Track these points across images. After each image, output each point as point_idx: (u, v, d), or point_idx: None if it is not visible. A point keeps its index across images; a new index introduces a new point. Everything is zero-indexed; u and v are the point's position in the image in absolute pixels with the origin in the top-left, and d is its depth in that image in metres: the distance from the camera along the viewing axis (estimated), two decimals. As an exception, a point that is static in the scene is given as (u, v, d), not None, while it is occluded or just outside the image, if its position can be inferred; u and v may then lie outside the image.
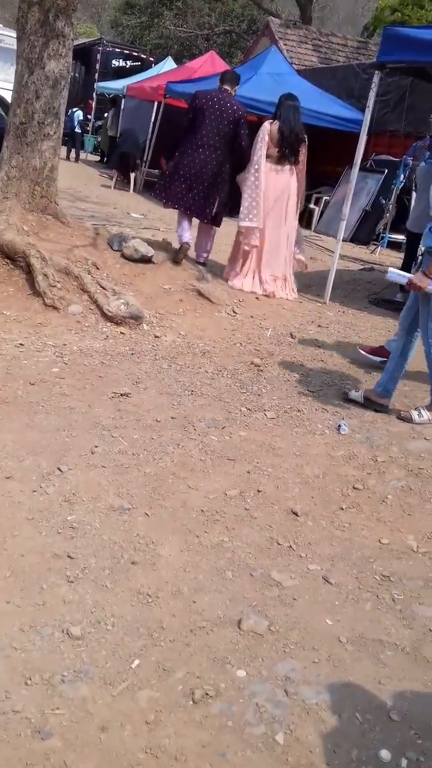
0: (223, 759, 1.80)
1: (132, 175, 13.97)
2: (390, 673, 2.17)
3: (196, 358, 4.68)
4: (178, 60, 20.29)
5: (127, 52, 22.16)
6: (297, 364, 4.89)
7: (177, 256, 6.17)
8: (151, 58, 21.69)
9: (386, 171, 11.28)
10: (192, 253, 6.64)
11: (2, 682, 1.91)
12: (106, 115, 17.56)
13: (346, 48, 20.14)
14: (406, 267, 7.74)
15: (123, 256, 5.83)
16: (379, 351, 4.97)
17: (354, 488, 3.28)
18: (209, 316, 5.54)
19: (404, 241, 8.97)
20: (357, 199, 10.97)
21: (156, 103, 13.77)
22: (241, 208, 6.48)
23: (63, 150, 10.11)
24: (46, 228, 5.67)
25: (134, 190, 13.97)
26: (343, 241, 7.21)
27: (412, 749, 1.90)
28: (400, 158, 10.65)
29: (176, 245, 6.36)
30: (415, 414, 4.07)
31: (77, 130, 17.37)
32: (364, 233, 11.53)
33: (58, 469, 3.00)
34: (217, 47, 25.76)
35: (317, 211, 12.54)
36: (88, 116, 19.62)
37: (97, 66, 20.40)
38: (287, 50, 18.12)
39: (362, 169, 9.53)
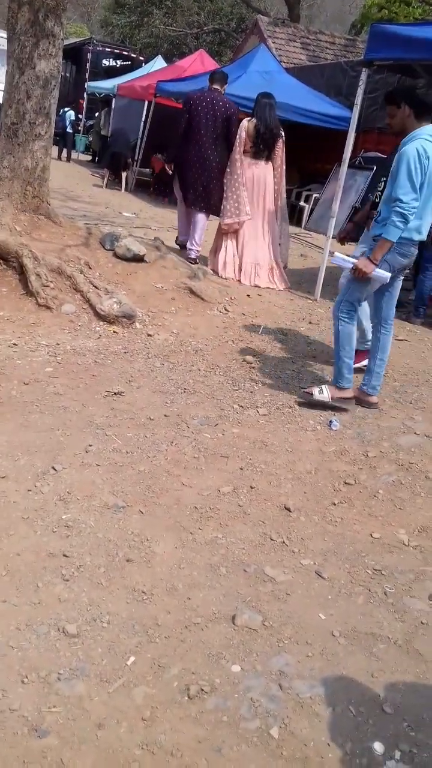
0: (218, 754, 1.82)
1: (123, 175, 13.96)
2: (383, 666, 2.19)
3: (188, 356, 4.69)
4: (168, 59, 20.25)
5: (118, 51, 22.11)
6: (288, 360, 4.92)
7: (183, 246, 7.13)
8: (141, 57, 21.65)
9: (375, 168, 11.30)
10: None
11: (-1, 680, 1.92)
12: (97, 114, 17.53)
13: (334, 46, 20.17)
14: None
15: (115, 255, 5.84)
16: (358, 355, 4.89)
17: (346, 483, 3.30)
18: (201, 314, 5.55)
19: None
20: (346, 196, 10.98)
21: (146, 103, 13.75)
22: (226, 207, 6.82)
23: (54, 150, 10.12)
24: (39, 228, 5.67)
25: (126, 190, 13.95)
26: (333, 237, 7.23)
27: (406, 741, 1.92)
28: (389, 155, 10.67)
29: (172, 242, 6.85)
30: (316, 390, 4.11)
31: (69, 130, 17.32)
32: (353, 230, 11.55)
33: (53, 468, 3.01)
34: (207, 46, 25.74)
35: (307, 208, 12.56)
36: (79, 116, 19.56)
37: (88, 65, 20.35)
38: (276, 48, 18.13)
39: (351, 166, 9.55)
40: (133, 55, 22.17)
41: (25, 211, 5.65)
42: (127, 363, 4.40)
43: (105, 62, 21.19)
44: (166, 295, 5.61)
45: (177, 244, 7.57)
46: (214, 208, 6.98)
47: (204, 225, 7.17)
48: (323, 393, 4.08)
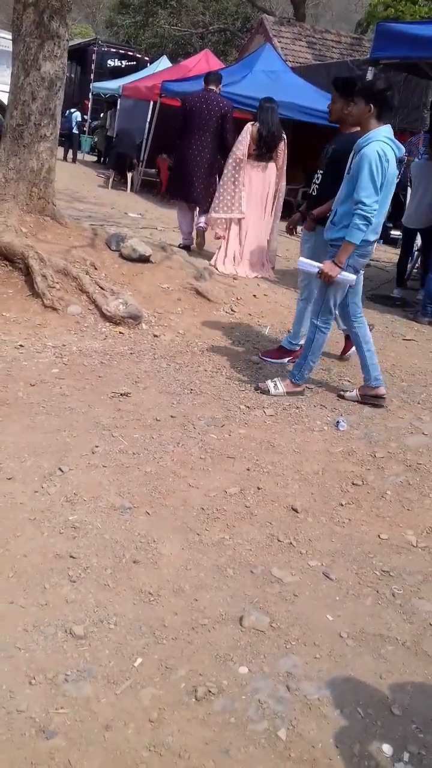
0: (226, 755, 1.81)
1: (129, 175, 13.98)
2: (391, 667, 2.19)
3: (194, 357, 4.69)
4: (173, 59, 20.26)
5: (123, 51, 22.16)
6: (294, 361, 4.90)
7: (187, 248, 7.31)
8: (146, 58, 21.69)
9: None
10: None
11: (6, 682, 1.92)
12: (102, 115, 17.54)
13: (339, 45, 20.14)
14: (402, 262, 7.76)
15: (121, 255, 5.84)
16: (279, 353, 4.84)
17: (353, 484, 3.29)
18: (207, 314, 5.55)
19: (400, 237, 8.97)
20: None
21: (152, 103, 13.76)
22: (216, 201, 7.07)
23: (60, 151, 10.13)
24: (44, 229, 5.68)
25: (131, 190, 13.97)
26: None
27: (414, 743, 1.91)
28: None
29: (173, 242, 6.88)
30: (271, 385, 4.19)
31: (75, 131, 17.35)
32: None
33: (59, 469, 3.02)
34: (212, 45, 25.74)
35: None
36: (84, 116, 19.60)
37: (93, 66, 20.39)
38: (281, 48, 18.12)
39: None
40: (138, 55, 22.21)
41: (30, 212, 5.66)
42: (134, 364, 4.40)
43: (110, 63, 21.24)
44: (172, 295, 5.61)
45: (181, 247, 7.57)
46: (209, 204, 7.30)
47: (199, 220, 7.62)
48: (278, 388, 4.19)
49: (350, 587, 2.56)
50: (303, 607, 2.41)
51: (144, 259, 5.86)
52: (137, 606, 2.30)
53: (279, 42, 18.58)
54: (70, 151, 17.41)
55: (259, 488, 3.13)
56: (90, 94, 19.86)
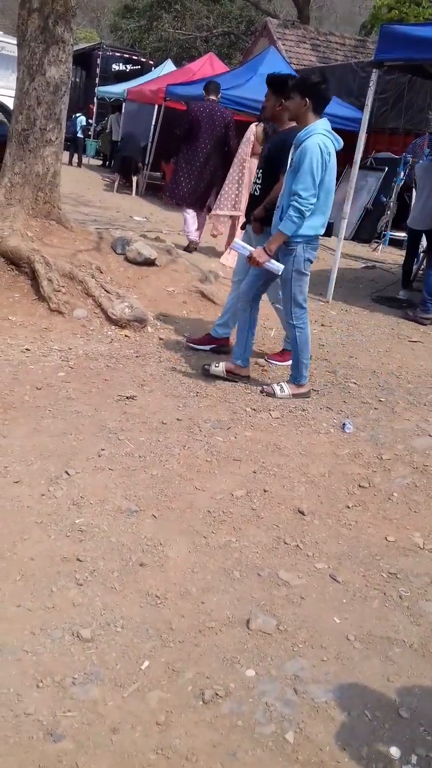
0: (233, 758, 1.81)
1: (134, 179, 14.01)
2: (398, 670, 2.18)
3: (200, 360, 4.69)
4: (178, 62, 20.28)
5: (127, 55, 22.22)
6: (301, 363, 4.90)
7: (188, 249, 7.54)
8: (151, 62, 21.73)
9: (386, 169, 11.28)
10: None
11: (14, 685, 1.93)
12: (107, 118, 17.59)
13: (344, 47, 20.14)
14: (408, 264, 7.75)
15: (126, 259, 5.86)
16: (205, 340, 4.89)
17: (360, 486, 3.29)
18: (213, 317, 5.55)
19: (405, 238, 8.97)
20: (358, 198, 10.96)
21: (156, 107, 13.79)
22: (221, 199, 7.40)
23: (65, 155, 10.16)
24: (50, 233, 5.70)
25: (136, 194, 14.00)
26: (344, 239, 7.22)
27: (422, 745, 1.91)
28: (401, 155, 10.65)
29: (181, 243, 7.14)
30: (277, 388, 4.22)
31: (80, 135, 17.41)
32: (365, 231, 11.52)
33: (66, 472, 3.02)
34: (216, 49, 25.76)
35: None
36: (89, 120, 19.66)
37: (98, 70, 20.44)
38: (286, 50, 18.12)
39: (362, 167, 9.54)
40: (142, 59, 22.26)
41: (36, 216, 5.68)
42: (139, 367, 4.41)
43: (115, 67, 21.29)
44: (177, 298, 5.62)
45: (188, 250, 7.64)
46: (209, 208, 7.80)
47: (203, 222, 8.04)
48: (284, 391, 4.21)
49: (357, 590, 2.55)
50: (310, 610, 2.41)
51: (149, 263, 5.87)
52: (144, 609, 2.30)
53: (283, 45, 18.60)
54: (75, 155, 17.46)
55: (265, 491, 3.13)
56: (95, 98, 19.92)
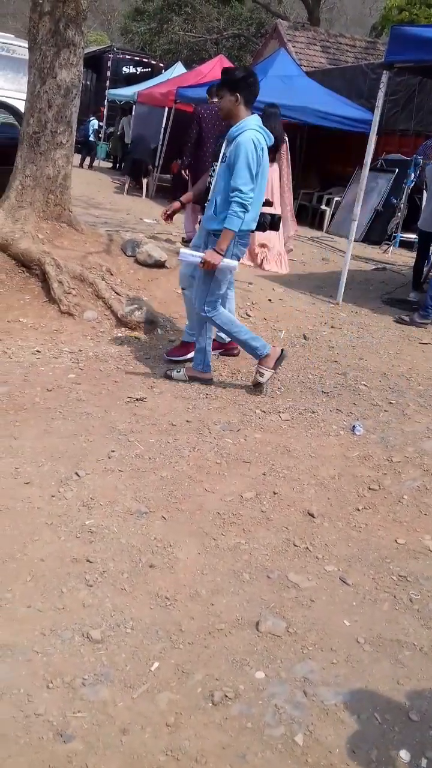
0: (243, 760, 1.81)
1: (144, 181, 14.04)
2: (408, 673, 2.17)
3: (214, 362, 4.69)
4: (188, 65, 20.32)
5: (138, 58, 22.25)
6: (311, 365, 4.90)
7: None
8: (161, 64, 21.77)
9: (397, 170, 11.25)
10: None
11: (24, 686, 1.94)
12: (120, 123, 17.63)
13: (354, 48, 20.12)
14: (418, 266, 7.72)
15: (137, 261, 5.87)
16: (182, 349, 4.70)
17: (370, 489, 3.28)
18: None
19: (416, 240, 8.94)
20: (368, 199, 10.94)
21: (167, 109, 13.82)
22: None
23: (77, 158, 10.18)
24: (61, 235, 5.73)
25: (147, 196, 14.03)
26: (355, 241, 7.21)
27: (432, 749, 1.90)
28: (411, 157, 10.62)
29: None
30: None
31: (91, 138, 17.47)
32: (375, 233, 11.49)
33: (76, 474, 3.03)
34: (226, 51, 25.77)
35: (329, 212, 12.52)
36: (100, 123, 19.72)
37: (108, 73, 20.49)
38: (296, 52, 18.13)
39: (373, 169, 9.51)
40: (153, 62, 22.30)
41: (47, 219, 5.71)
42: (149, 369, 4.42)
43: (125, 69, 21.33)
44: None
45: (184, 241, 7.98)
46: None
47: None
48: (264, 376, 4.16)
49: (367, 592, 2.55)
50: (320, 612, 2.40)
51: (159, 265, 5.88)
52: (154, 610, 2.30)
53: (293, 47, 18.60)
54: (87, 158, 17.53)
55: (275, 493, 3.13)
56: (105, 101, 19.97)
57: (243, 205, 3.75)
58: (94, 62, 20.54)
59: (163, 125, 13.93)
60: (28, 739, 1.79)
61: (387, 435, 3.86)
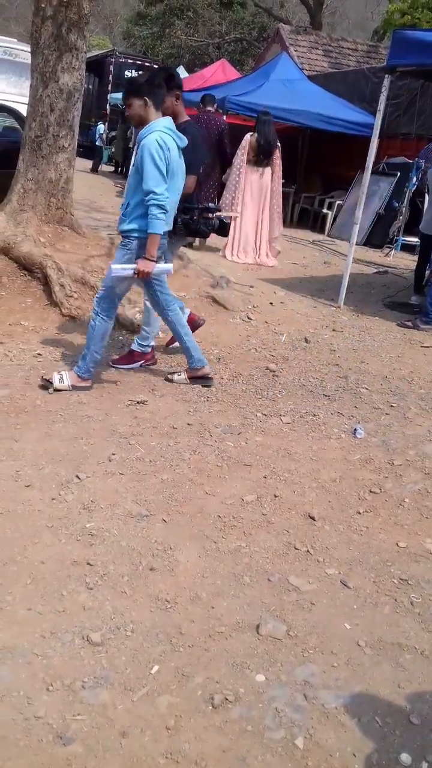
0: (243, 763, 1.81)
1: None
2: (409, 676, 2.17)
3: (211, 365, 4.69)
4: (190, 69, 20.40)
5: (140, 62, 22.28)
6: (312, 368, 4.90)
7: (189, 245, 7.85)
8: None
9: (399, 174, 11.26)
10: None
11: (24, 688, 1.93)
12: (120, 124, 17.66)
13: (356, 52, 20.15)
14: (420, 269, 7.73)
15: (138, 264, 5.87)
16: (129, 357, 4.60)
17: (371, 492, 3.28)
18: (224, 322, 5.56)
19: (418, 243, 8.94)
20: (370, 203, 10.93)
21: (168, 113, 13.84)
22: (224, 201, 8.36)
23: (82, 162, 10.14)
24: (62, 239, 5.74)
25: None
26: (356, 244, 7.22)
27: (433, 753, 1.89)
28: (413, 160, 10.63)
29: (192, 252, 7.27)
30: (56, 378, 3.95)
31: (98, 143, 17.51)
32: (377, 236, 11.49)
33: (77, 476, 3.03)
34: (228, 55, 25.85)
35: (330, 215, 12.53)
36: (105, 129, 19.76)
37: (110, 77, 20.52)
38: (298, 56, 18.16)
39: (375, 172, 9.53)
40: (155, 66, 22.31)
41: (49, 222, 5.72)
42: (150, 372, 4.42)
43: (127, 74, 21.29)
44: (188, 303, 5.62)
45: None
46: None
47: None
48: (63, 381, 3.96)
49: (368, 595, 2.54)
50: (320, 616, 2.40)
51: (161, 268, 5.88)
52: (154, 613, 2.30)
53: (295, 51, 18.64)
54: (92, 162, 17.57)
55: (276, 496, 3.13)
56: (107, 105, 20.01)
57: (161, 207, 3.68)
58: (96, 66, 20.58)
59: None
60: (28, 742, 1.78)
61: (388, 438, 3.86)
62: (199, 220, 4.39)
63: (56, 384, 3.93)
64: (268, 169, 8.36)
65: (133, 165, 3.88)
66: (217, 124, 8.28)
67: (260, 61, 20.02)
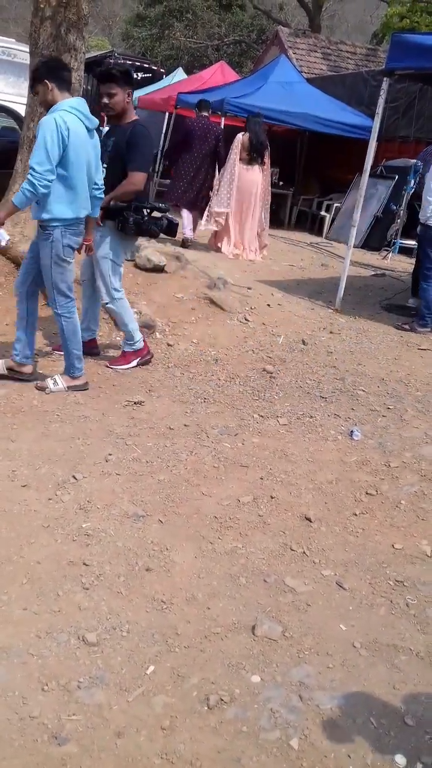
0: (238, 764, 1.81)
1: (144, 186, 14.06)
2: (404, 677, 2.17)
3: (208, 366, 4.70)
4: (189, 71, 20.37)
5: (139, 64, 22.26)
6: (309, 370, 4.90)
7: (184, 245, 8.18)
8: (162, 70, 21.80)
9: (397, 177, 11.28)
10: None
11: (19, 688, 1.93)
12: None
13: (355, 56, 20.16)
14: (418, 272, 7.73)
15: (136, 265, 5.88)
16: (124, 358, 4.55)
17: (367, 494, 3.28)
18: (221, 324, 5.56)
19: (415, 246, 8.95)
20: (368, 206, 10.94)
21: (167, 114, 13.85)
22: (218, 198, 8.63)
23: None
24: (60, 239, 5.72)
25: (146, 200, 14.05)
26: (354, 247, 7.22)
27: (428, 753, 1.90)
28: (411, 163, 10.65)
29: (191, 253, 7.35)
30: (50, 383, 3.96)
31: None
32: (375, 239, 11.50)
33: (73, 477, 3.03)
34: (227, 57, 25.82)
35: (328, 218, 12.54)
36: (101, 128, 19.75)
37: (109, 78, 20.49)
38: (297, 59, 18.17)
39: (373, 175, 9.54)
40: (154, 67, 22.30)
41: (47, 222, 5.70)
42: (147, 373, 4.42)
43: (127, 75, 21.33)
44: (186, 305, 5.64)
45: (183, 246, 8.19)
46: (201, 208, 8.78)
47: (198, 220, 8.93)
48: (58, 384, 3.96)
49: (364, 597, 2.54)
50: (316, 617, 2.40)
51: (158, 269, 5.89)
52: (150, 614, 2.30)
53: (294, 53, 18.64)
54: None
55: (272, 497, 3.13)
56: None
57: (33, 184, 3.55)
58: (95, 67, 20.54)
59: (164, 130, 13.96)
60: (23, 742, 1.78)
61: (385, 440, 3.86)
62: (149, 220, 4.34)
63: (52, 389, 3.94)
64: (258, 167, 8.74)
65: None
66: (213, 130, 8.63)
67: (259, 64, 20.03)
